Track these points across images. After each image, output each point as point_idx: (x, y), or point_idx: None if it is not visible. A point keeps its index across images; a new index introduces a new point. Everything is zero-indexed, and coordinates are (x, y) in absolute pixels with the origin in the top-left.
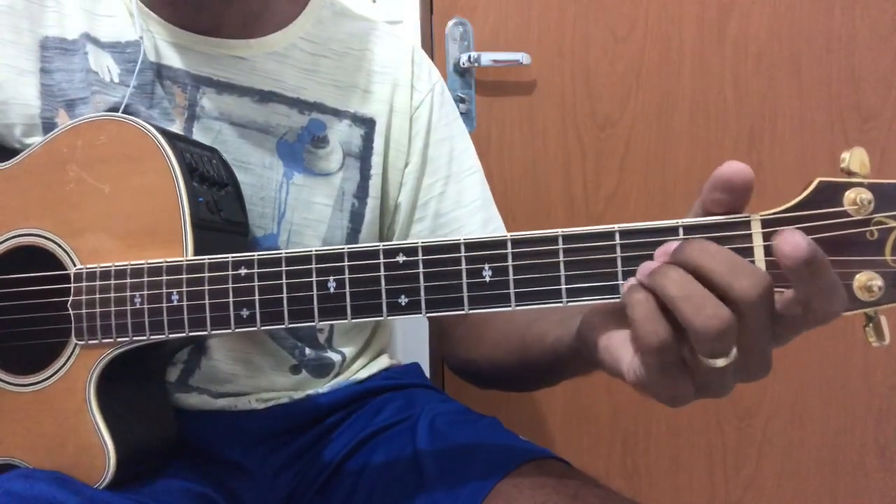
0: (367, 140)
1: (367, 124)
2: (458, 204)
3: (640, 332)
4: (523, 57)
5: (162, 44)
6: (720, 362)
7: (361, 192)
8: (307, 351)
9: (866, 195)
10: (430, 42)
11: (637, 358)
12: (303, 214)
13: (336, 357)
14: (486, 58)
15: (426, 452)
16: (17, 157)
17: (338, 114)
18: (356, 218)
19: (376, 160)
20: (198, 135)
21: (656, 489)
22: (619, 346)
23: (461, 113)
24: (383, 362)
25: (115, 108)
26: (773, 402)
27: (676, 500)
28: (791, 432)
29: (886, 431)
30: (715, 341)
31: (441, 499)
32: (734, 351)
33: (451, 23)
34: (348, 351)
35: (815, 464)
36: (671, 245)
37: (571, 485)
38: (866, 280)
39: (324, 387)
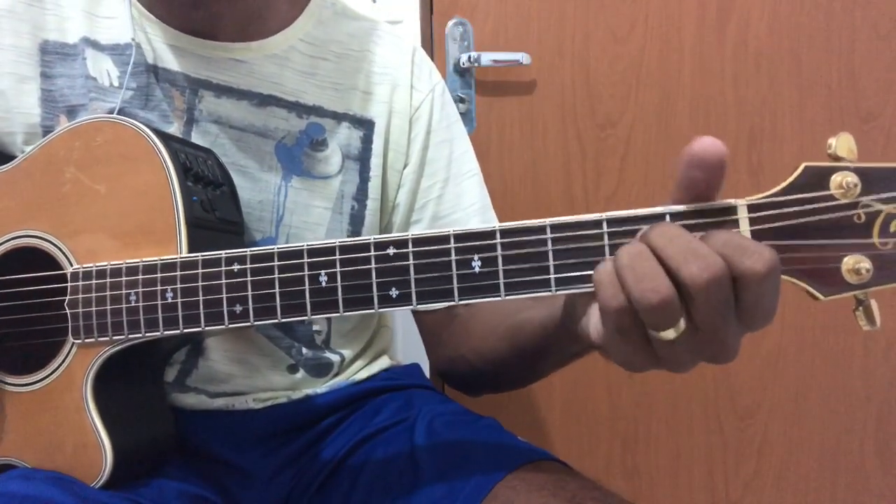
0: (367, 142)
1: (367, 126)
2: (456, 207)
3: (600, 294)
4: (523, 57)
5: (160, 46)
6: (666, 335)
7: (361, 195)
8: (304, 351)
9: (852, 179)
10: (430, 42)
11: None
12: (301, 218)
13: (335, 357)
14: (486, 58)
15: (424, 454)
16: (15, 160)
17: (337, 117)
18: (356, 220)
19: (375, 162)
20: (196, 138)
21: (656, 489)
22: (594, 310)
23: (461, 113)
24: (383, 363)
25: (112, 113)
26: (773, 402)
27: (676, 500)
28: (791, 432)
29: (886, 431)
30: (652, 313)
31: (439, 500)
32: (681, 326)
33: (451, 23)
34: (347, 352)
35: (815, 464)
36: (646, 228)
37: (570, 487)
38: (854, 263)
39: (322, 387)
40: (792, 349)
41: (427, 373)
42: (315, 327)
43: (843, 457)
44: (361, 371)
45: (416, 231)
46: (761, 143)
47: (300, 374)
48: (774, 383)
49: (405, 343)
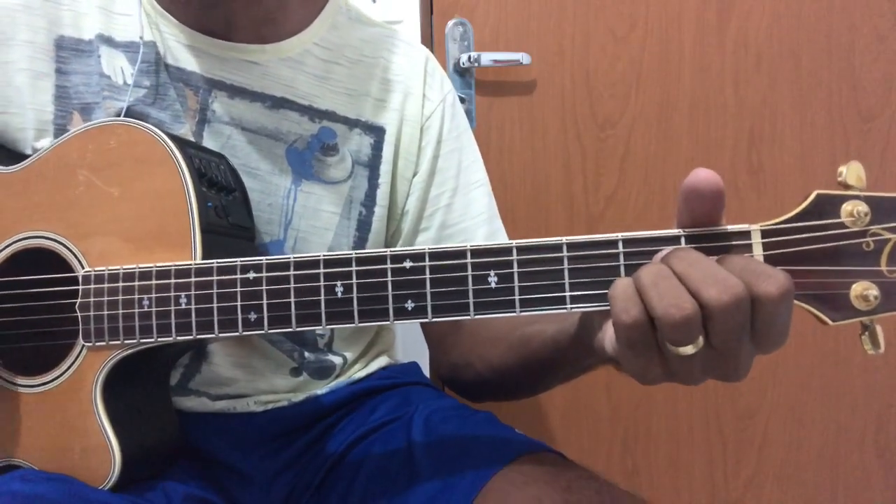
0: (377, 148)
1: (377, 132)
2: (464, 216)
3: (614, 308)
4: (523, 57)
5: (175, 45)
6: (685, 350)
7: (369, 201)
8: (307, 354)
9: (863, 207)
10: (431, 42)
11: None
12: (310, 222)
13: (337, 360)
14: (486, 58)
15: (421, 448)
16: (27, 160)
17: (349, 122)
18: (363, 226)
19: (385, 168)
20: (208, 139)
21: (656, 489)
22: (609, 324)
23: None
24: (382, 361)
25: (125, 112)
26: (773, 402)
27: (676, 500)
28: (791, 432)
29: (886, 431)
30: (674, 329)
31: (436, 495)
32: (700, 342)
33: (451, 23)
34: (349, 354)
35: (815, 464)
36: (665, 251)
37: (564, 477)
38: (862, 290)
39: (323, 388)
40: (792, 350)
41: (426, 371)
42: (318, 331)
43: (843, 457)
44: (360, 371)
45: (424, 239)
46: (761, 143)
47: (303, 376)
48: (774, 383)
49: (405, 343)
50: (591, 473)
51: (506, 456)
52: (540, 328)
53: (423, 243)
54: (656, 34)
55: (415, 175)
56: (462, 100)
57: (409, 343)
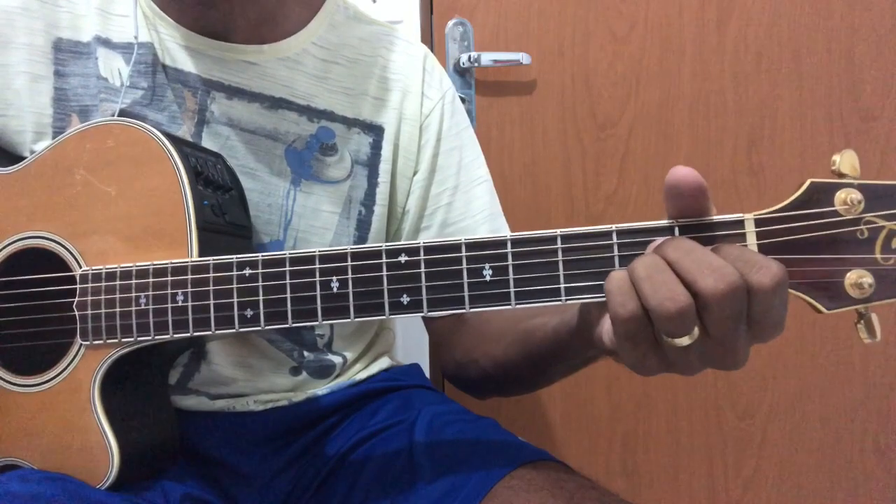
0: (376, 147)
1: (376, 131)
2: (466, 214)
3: (610, 303)
4: (523, 57)
5: (173, 46)
6: (681, 342)
7: (369, 200)
8: (306, 354)
9: (856, 195)
10: (431, 42)
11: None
12: (309, 221)
13: (337, 359)
14: (486, 58)
15: (423, 453)
16: (25, 161)
17: (347, 122)
18: (363, 225)
19: (384, 168)
20: (206, 140)
21: (656, 489)
22: (608, 316)
23: None
24: (383, 363)
25: (122, 113)
26: (773, 402)
27: (676, 499)
28: (791, 432)
29: (886, 431)
30: (669, 321)
31: (438, 500)
32: (695, 333)
33: (451, 23)
34: (349, 354)
35: (815, 464)
36: (658, 241)
37: (568, 487)
38: (857, 277)
39: (323, 388)
40: (792, 349)
41: (427, 373)
42: (318, 331)
43: (843, 457)
44: (362, 372)
45: (426, 237)
46: (761, 143)
47: (303, 375)
48: (774, 383)
49: (405, 344)
50: (593, 483)
51: (509, 463)
52: (541, 322)
53: None
54: (656, 34)
55: (415, 174)
56: (462, 100)
57: (409, 344)
